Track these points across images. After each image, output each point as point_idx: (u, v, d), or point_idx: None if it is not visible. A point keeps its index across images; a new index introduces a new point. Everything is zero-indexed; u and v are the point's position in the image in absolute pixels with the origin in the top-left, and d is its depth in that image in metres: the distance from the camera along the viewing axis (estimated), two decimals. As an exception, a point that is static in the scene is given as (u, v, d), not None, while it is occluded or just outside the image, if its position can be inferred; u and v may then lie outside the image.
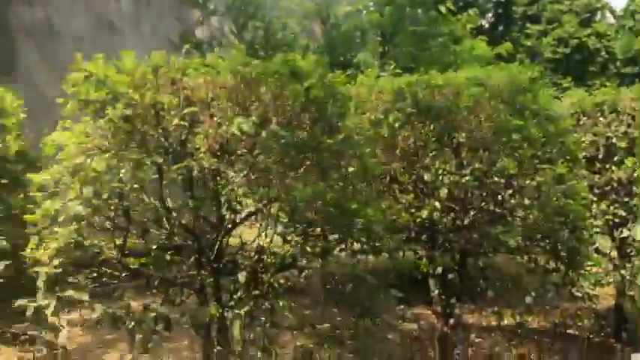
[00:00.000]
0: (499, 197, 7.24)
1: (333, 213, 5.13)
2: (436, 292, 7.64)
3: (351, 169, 5.32)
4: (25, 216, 4.96)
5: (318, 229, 5.39)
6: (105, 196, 4.79)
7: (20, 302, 4.86)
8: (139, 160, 4.76)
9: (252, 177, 5.17)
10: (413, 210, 7.05)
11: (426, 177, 6.89)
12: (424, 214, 6.76)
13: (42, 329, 6.21)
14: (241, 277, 4.93)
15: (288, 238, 5.53)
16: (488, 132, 6.94)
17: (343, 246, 5.61)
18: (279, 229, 5.49)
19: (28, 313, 4.80)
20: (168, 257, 5.57)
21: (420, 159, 7.03)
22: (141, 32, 15.41)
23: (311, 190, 4.97)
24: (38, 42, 13.38)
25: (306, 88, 5.20)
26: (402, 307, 10.67)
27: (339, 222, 5.16)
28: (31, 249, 4.81)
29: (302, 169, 5.25)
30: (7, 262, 5.38)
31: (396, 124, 6.87)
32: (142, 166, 4.77)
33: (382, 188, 7.13)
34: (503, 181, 7.09)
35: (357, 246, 5.55)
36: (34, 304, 4.80)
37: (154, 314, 4.76)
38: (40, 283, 4.67)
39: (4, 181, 5.89)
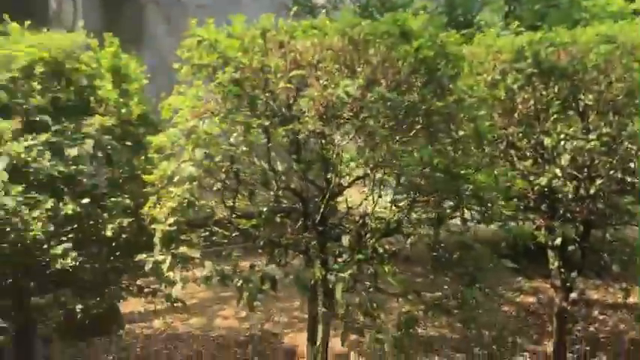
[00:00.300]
0: (630, 165, 6.66)
1: (442, 178, 4.95)
2: (555, 264, 7.23)
3: (461, 133, 5.08)
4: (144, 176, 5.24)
5: (426, 195, 5.22)
6: (216, 158, 4.94)
7: (140, 257, 5.15)
8: (247, 123, 4.84)
9: (359, 141, 5.10)
10: (531, 177, 6.68)
11: (547, 142, 6.46)
12: (543, 181, 6.38)
13: (162, 283, 6.58)
14: (345, 240, 4.91)
15: (397, 203, 5.43)
16: (619, 93, 6.38)
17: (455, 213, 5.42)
18: (386, 193, 5.39)
19: (147, 267, 5.08)
20: (278, 219, 5.69)
21: (541, 123, 6.61)
22: (260, -1, 15.65)
23: (419, 155, 4.82)
24: (164, 12, 14.03)
25: (416, 48, 5.01)
26: (519, 279, 10.27)
27: (447, 187, 4.97)
28: (149, 207, 5.07)
29: (410, 133, 5.10)
30: (130, 220, 5.71)
31: (515, 86, 6.48)
32: (250, 128, 4.84)
33: (498, 154, 6.80)
34: (634, 147, 6.51)
35: (466, 213, 5.34)
36: (152, 259, 5.07)
37: (260, 274, 4.86)
38: (156, 240, 4.92)
39: (128, 143, 6.24)
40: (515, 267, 5.41)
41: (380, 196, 5.11)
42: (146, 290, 6.94)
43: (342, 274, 4.70)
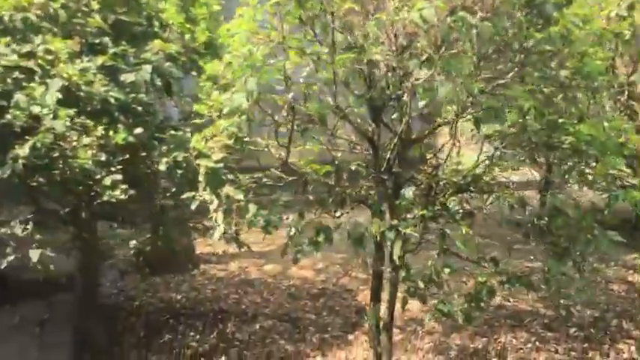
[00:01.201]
0: None
1: (534, 127, 4.08)
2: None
3: (564, 73, 4.13)
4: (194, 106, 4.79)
5: (515, 147, 4.37)
6: (269, 88, 4.37)
7: (187, 195, 4.76)
8: (302, 50, 4.19)
9: (438, 79, 4.30)
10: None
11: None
12: (667, 140, 5.25)
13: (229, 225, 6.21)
14: (408, 192, 4.20)
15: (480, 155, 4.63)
16: None
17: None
18: (468, 144, 4.60)
19: (193, 206, 4.69)
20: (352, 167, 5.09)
21: (674, 70, 5.44)
22: None
23: (504, 97, 3.96)
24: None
25: (515, -34, 4.09)
26: (634, 256, 9.05)
27: (540, 138, 4.09)
28: (197, 141, 4.63)
29: (506, 75, 4.21)
30: (186, 155, 5.29)
31: (644, 24, 5.33)
32: (305, 55, 4.19)
33: (618, 106, 5.71)
34: None
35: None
36: (200, 199, 4.65)
37: (310, 223, 4.31)
38: (200, 177, 4.48)
39: (193, 73, 5.81)
40: (621, 241, 4.47)
41: (454, 144, 4.33)
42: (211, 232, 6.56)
43: (402, 231, 4.02)
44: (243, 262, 9.14)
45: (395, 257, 4.02)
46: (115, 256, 7.42)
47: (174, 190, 5.52)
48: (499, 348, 6.46)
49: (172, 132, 5.57)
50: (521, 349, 6.47)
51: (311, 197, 4.63)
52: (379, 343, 5.28)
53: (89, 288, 6.58)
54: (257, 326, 6.90)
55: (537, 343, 6.58)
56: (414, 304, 7.01)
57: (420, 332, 6.76)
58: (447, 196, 4.31)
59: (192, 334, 6.67)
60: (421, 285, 4.09)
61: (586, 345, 6.62)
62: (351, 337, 6.79)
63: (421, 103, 4.10)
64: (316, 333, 6.81)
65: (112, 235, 5.82)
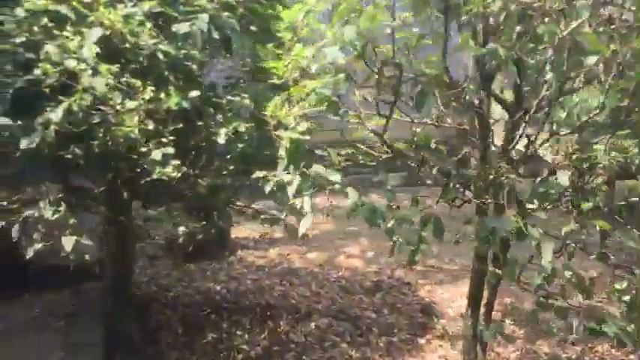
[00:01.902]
0: None
1: None
2: None
3: None
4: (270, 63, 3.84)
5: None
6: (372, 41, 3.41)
7: (258, 174, 3.83)
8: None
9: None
10: None
11: None
12: None
13: (283, 211, 5.31)
14: (562, 177, 3.25)
15: None
16: None
17: None
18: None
19: (266, 189, 3.75)
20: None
21: None
22: None
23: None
24: None
25: None
26: None
27: None
28: (275, 107, 3.69)
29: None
30: (248, 125, 4.35)
31: None
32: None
33: None
34: None
35: None
36: (275, 179, 3.71)
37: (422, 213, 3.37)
38: (282, 152, 3.54)
39: (252, 28, 4.83)
40: None
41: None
42: (263, 217, 5.62)
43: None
44: (283, 248, 8.26)
45: (545, 263, 3.09)
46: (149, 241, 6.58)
47: (232, 167, 4.59)
48: (597, 359, 5.56)
49: (229, 97, 4.63)
50: (623, 360, 5.57)
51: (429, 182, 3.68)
52: (476, 357, 4.41)
53: (122, 277, 5.69)
54: (312, 325, 6.00)
55: (641, 354, 5.66)
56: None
57: (500, 338, 5.85)
58: (601, 183, 3.37)
59: (239, 333, 5.79)
60: (580, 297, 3.16)
61: (696, 357, 5.71)
62: (421, 340, 5.89)
63: (592, 59, 3.11)
64: (381, 335, 5.91)
65: (157, 218, 4.89)
